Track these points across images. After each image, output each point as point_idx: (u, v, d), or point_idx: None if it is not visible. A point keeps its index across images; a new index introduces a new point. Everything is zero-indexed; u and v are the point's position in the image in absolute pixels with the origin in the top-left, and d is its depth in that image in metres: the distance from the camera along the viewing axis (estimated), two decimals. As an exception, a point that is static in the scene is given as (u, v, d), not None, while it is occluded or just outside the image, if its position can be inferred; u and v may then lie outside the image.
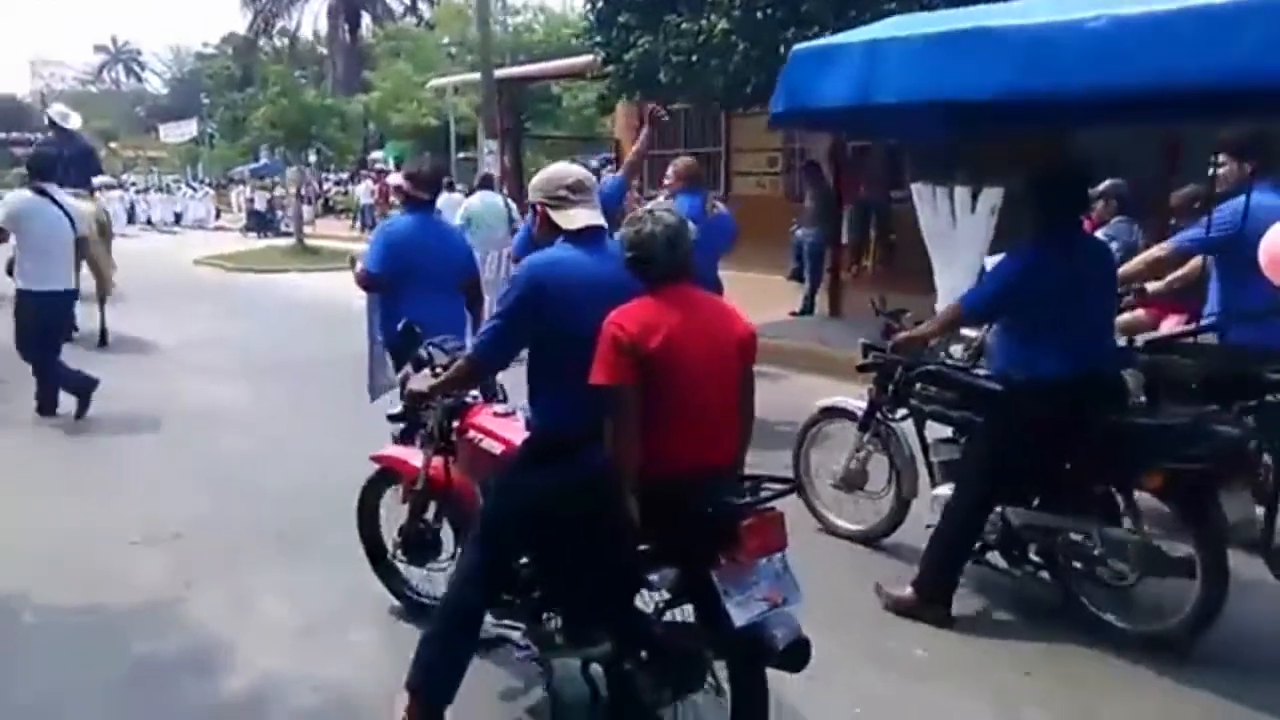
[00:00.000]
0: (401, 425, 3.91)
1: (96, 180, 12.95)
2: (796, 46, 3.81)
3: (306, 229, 21.95)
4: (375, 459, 3.88)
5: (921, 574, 3.89)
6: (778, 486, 2.72)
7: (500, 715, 3.27)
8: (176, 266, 18.30)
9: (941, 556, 3.84)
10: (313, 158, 29.91)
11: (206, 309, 12.74)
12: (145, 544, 4.73)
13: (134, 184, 38.55)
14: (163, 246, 24.45)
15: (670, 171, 6.45)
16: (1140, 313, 5.13)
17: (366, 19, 46.13)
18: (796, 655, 2.59)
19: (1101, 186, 5.91)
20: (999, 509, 3.86)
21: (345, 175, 35.73)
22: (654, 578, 2.78)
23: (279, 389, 8.05)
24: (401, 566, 3.88)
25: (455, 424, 3.40)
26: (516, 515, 2.91)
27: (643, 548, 2.70)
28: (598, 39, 11.48)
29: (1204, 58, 2.73)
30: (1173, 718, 3.21)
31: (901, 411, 4.47)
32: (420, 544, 3.58)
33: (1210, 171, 4.33)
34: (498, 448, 3.19)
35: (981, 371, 4.12)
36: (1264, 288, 3.76)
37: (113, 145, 50.72)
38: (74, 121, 11.46)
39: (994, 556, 4.01)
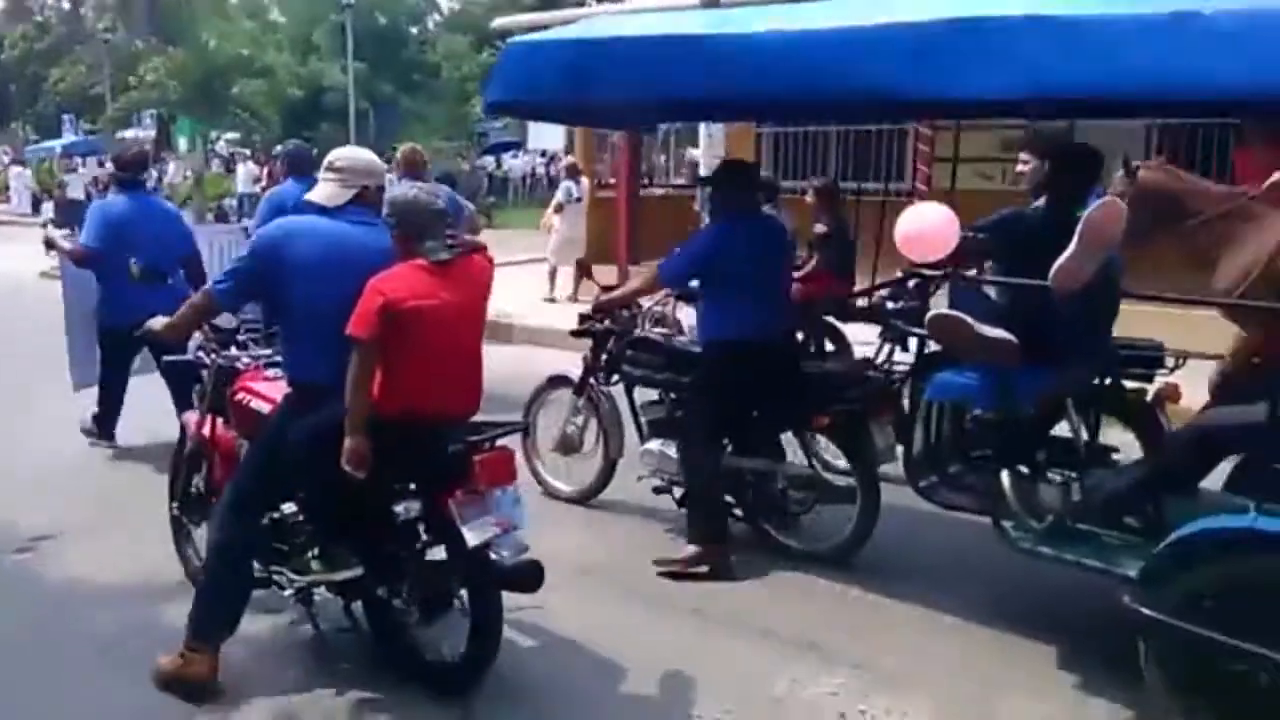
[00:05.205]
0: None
1: None
2: (511, 40, 4.12)
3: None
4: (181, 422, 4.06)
5: (691, 531, 4.27)
6: (507, 428, 3.21)
7: (271, 650, 3.51)
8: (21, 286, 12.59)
9: (702, 510, 4.26)
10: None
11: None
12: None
13: None
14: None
15: (395, 161, 6.86)
16: None
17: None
18: (526, 575, 3.05)
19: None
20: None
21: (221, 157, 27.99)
22: (400, 509, 3.16)
23: None
24: (194, 531, 3.96)
25: (230, 387, 3.63)
26: (277, 459, 3.22)
27: (396, 486, 3.11)
28: None
29: (850, 72, 3.34)
30: (837, 616, 3.85)
31: (614, 378, 4.94)
32: (198, 501, 3.80)
33: None
34: (265, 407, 3.42)
35: (683, 338, 4.67)
36: None
37: None
38: None
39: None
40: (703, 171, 11.60)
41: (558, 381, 5.19)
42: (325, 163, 3.35)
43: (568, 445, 5.01)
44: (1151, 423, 4.13)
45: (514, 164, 28.20)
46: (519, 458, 4.95)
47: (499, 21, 18.72)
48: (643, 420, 4.81)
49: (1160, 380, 4.17)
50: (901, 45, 3.19)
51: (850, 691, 3.30)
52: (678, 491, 4.59)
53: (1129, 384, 4.17)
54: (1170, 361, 4.21)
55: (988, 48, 3.07)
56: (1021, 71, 3.04)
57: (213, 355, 3.70)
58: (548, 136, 23.92)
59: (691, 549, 4.20)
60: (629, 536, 4.44)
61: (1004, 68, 3.06)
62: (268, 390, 3.49)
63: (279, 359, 3.53)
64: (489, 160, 27.98)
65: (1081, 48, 2.94)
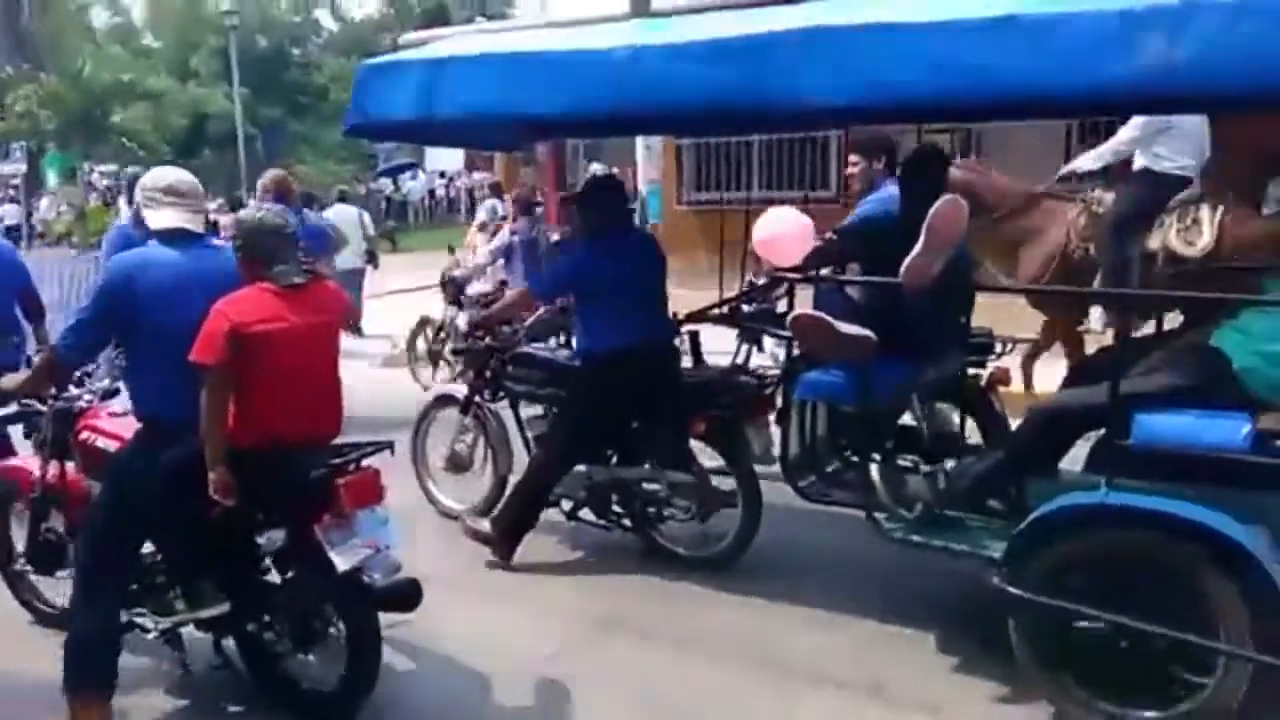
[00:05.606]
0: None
1: None
2: (362, 62, 4.05)
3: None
4: None
5: (501, 513, 4.43)
6: (370, 447, 3.11)
7: (143, 697, 3.38)
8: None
9: (520, 503, 4.39)
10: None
11: None
12: None
13: None
14: None
15: (261, 185, 6.63)
16: None
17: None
18: (402, 595, 3.00)
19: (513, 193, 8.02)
20: (585, 469, 4.42)
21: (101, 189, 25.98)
22: (263, 540, 3.09)
23: None
24: (31, 575, 3.80)
25: (72, 428, 3.47)
26: (131, 499, 3.08)
27: (260, 516, 3.04)
28: None
29: (693, 85, 3.36)
30: (733, 622, 3.89)
31: (499, 394, 4.90)
32: (46, 552, 3.60)
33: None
34: (113, 445, 3.29)
35: (564, 353, 4.68)
36: None
37: None
38: None
39: (586, 513, 4.56)
40: (641, 185, 11.64)
41: (444, 400, 5.14)
42: (161, 188, 3.19)
43: (457, 464, 4.98)
44: (986, 406, 4.29)
45: (413, 185, 27.67)
46: (411, 477, 4.99)
47: (406, 37, 18.52)
48: (529, 435, 4.79)
49: (991, 365, 4.35)
50: (741, 57, 3.22)
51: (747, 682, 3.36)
52: (566, 504, 4.59)
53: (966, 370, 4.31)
54: (999, 347, 4.40)
55: (826, 57, 3.12)
56: (860, 79, 3.09)
57: (50, 399, 3.50)
58: (445, 157, 23.55)
59: (488, 530, 4.42)
60: (519, 551, 4.43)
61: (843, 76, 3.12)
62: (114, 427, 3.37)
63: (119, 386, 3.40)
64: (386, 183, 27.47)
65: (912, 54, 3.00)
